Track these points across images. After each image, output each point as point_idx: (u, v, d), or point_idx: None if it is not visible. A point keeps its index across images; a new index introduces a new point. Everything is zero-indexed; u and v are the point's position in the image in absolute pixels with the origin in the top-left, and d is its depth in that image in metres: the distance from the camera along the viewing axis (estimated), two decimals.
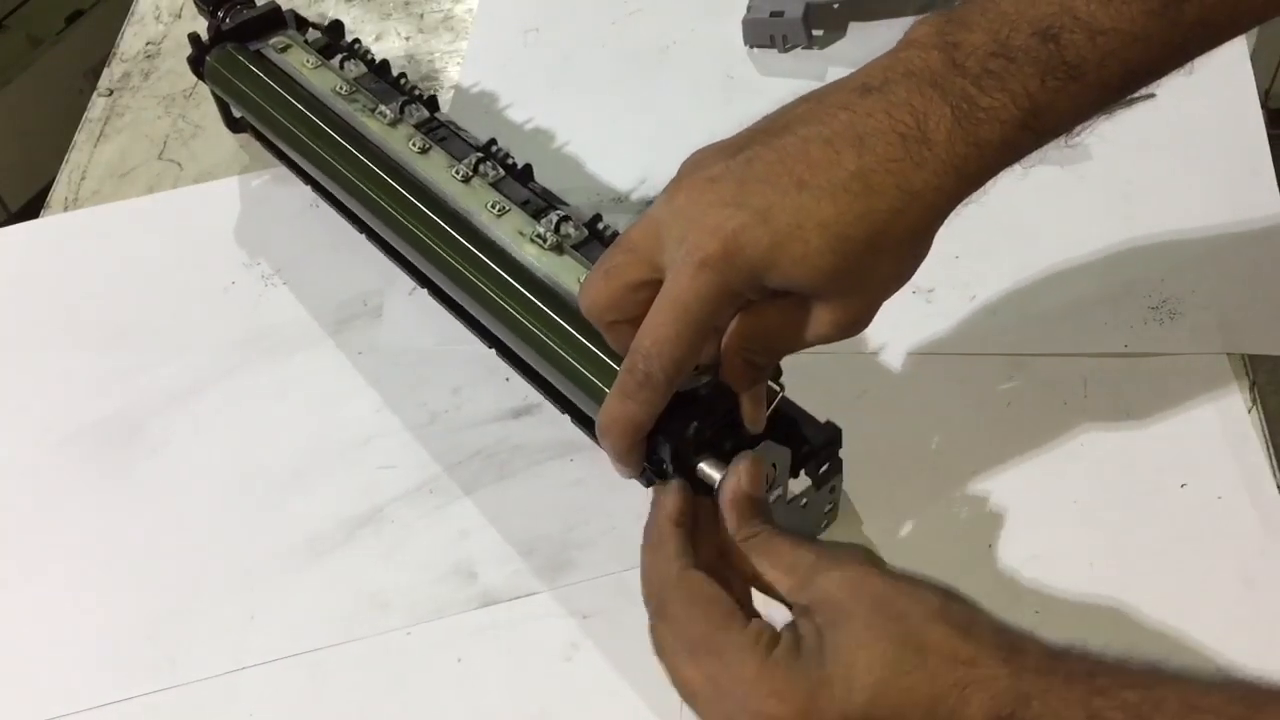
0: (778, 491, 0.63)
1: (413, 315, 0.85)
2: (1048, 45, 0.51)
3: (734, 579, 0.55)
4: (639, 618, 0.68)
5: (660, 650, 0.54)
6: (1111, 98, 0.53)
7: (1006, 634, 0.49)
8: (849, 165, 0.51)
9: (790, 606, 0.53)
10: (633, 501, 0.69)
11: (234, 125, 0.98)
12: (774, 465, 0.61)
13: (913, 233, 0.53)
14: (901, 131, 0.51)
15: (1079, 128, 0.54)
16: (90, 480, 0.81)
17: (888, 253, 0.53)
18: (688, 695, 0.53)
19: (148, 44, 1.13)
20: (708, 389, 0.60)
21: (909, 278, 0.55)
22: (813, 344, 0.57)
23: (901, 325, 0.78)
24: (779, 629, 0.51)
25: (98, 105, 1.08)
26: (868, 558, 0.53)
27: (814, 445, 0.64)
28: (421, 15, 1.09)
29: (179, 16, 1.14)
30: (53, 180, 1.02)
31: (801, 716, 0.49)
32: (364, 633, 0.71)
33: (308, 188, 0.91)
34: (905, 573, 0.52)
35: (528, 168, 0.79)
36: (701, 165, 0.56)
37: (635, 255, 0.55)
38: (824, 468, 0.65)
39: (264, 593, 0.74)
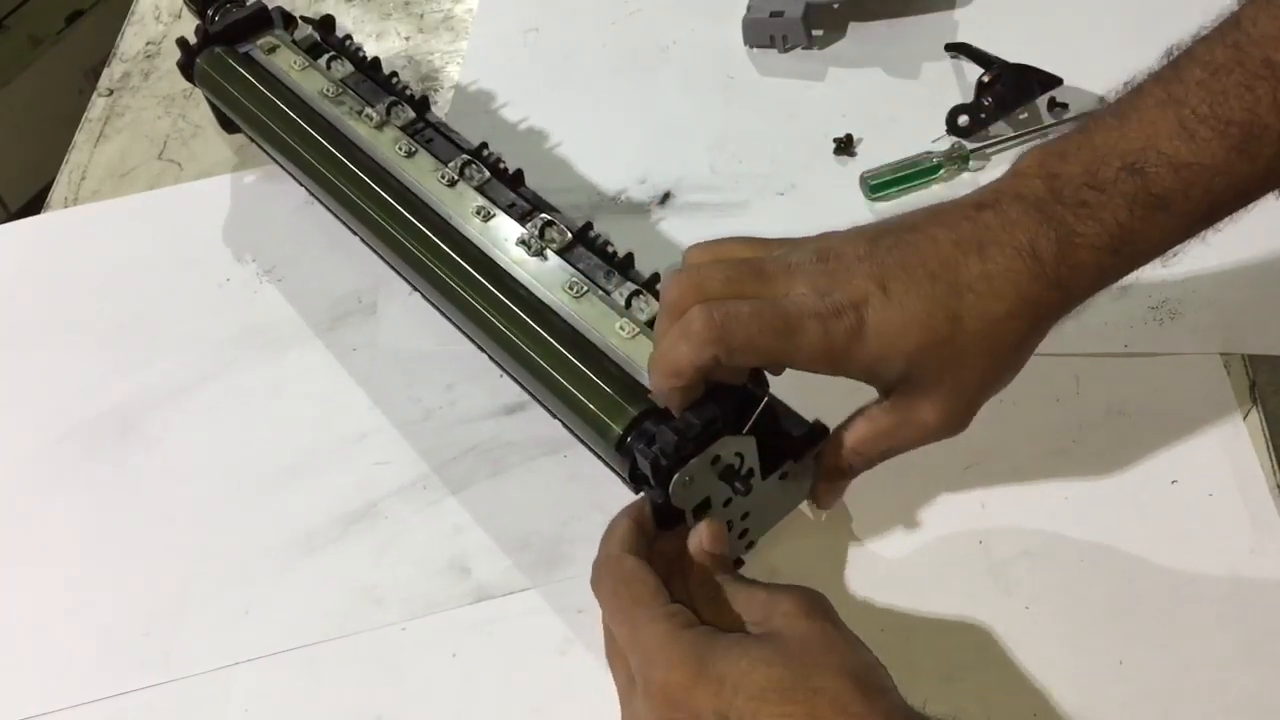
0: (751, 481, 0.63)
1: (409, 314, 0.85)
2: (1135, 178, 0.55)
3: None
4: None
5: (605, 622, 0.60)
6: (1200, 225, 0.57)
7: (908, 713, 0.52)
8: (974, 268, 0.56)
9: None
10: (626, 498, 0.69)
11: (228, 126, 0.98)
12: (740, 455, 0.62)
13: (1021, 338, 0.58)
14: (1017, 246, 0.56)
15: (1172, 251, 0.59)
16: (85, 476, 0.81)
17: (997, 354, 0.58)
18: (609, 656, 0.60)
19: (148, 44, 1.13)
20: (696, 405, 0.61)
21: (1005, 384, 0.61)
22: (914, 443, 0.62)
23: None
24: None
25: (98, 105, 1.08)
26: (819, 600, 0.57)
27: (802, 447, 0.65)
28: (421, 15, 1.09)
29: (179, 16, 1.15)
30: (53, 180, 1.03)
31: (681, 693, 0.53)
32: (358, 628, 0.71)
33: (301, 186, 0.91)
34: (840, 622, 0.56)
35: (519, 173, 0.79)
36: (846, 235, 0.60)
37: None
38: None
39: (259, 588, 0.74)
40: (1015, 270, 0.56)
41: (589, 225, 0.74)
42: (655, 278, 0.71)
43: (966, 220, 0.58)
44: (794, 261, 0.59)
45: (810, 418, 0.66)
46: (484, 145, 0.81)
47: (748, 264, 0.60)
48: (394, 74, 0.87)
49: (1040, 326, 0.58)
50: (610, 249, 0.73)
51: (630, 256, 0.72)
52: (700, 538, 0.61)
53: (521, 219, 0.75)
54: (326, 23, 0.92)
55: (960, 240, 0.57)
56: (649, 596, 0.57)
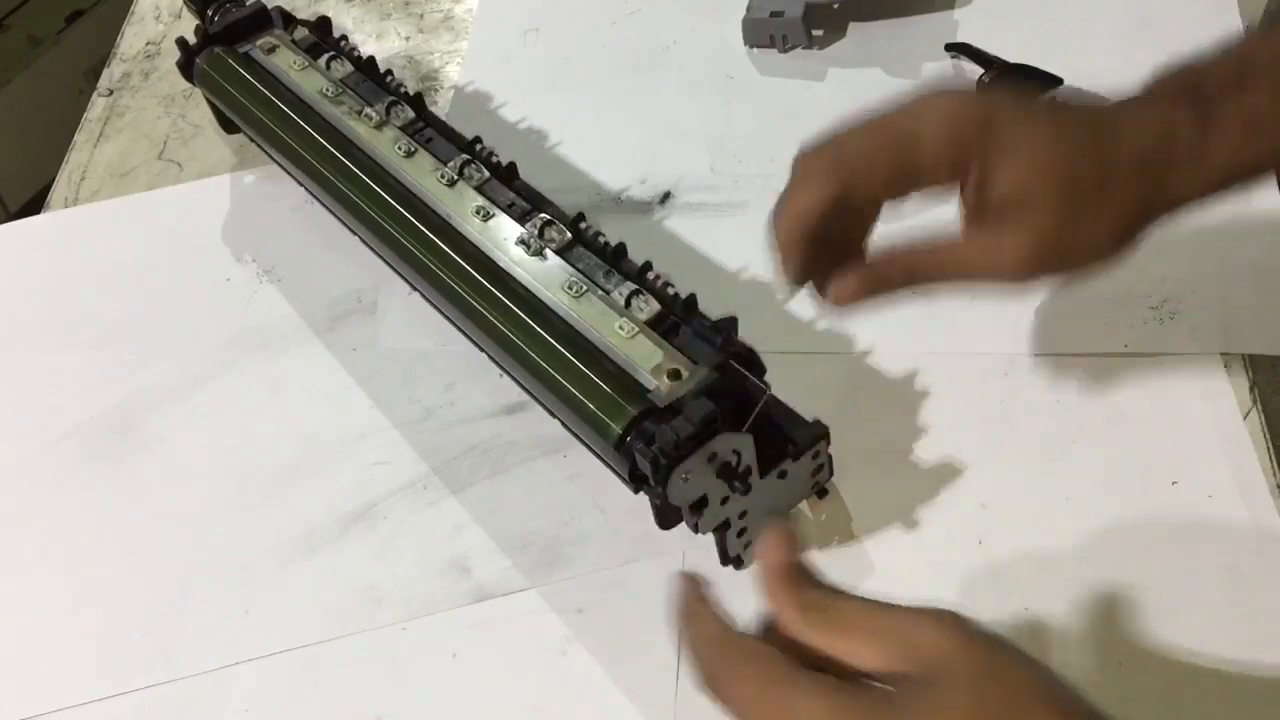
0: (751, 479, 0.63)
1: (409, 314, 0.85)
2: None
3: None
4: (632, 613, 0.68)
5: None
6: None
7: None
8: (1107, 128, 0.56)
9: (870, 678, 0.47)
10: (626, 497, 0.69)
11: (228, 126, 0.98)
12: (737, 453, 0.62)
13: (1132, 207, 0.57)
14: (1154, 128, 0.56)
15: None
16: (85, 476, 0.81)
17: (1105, 209, 0.56)
18: None
19: (148, 44, 1.13)
20: (695, 403, 0.62)
21: (1103, 260, 0.59)
22: (985, 272, 0.59)
23: (900, 325, 0.78)
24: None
25: (98, 105, 1.08)
26: (960, 619, 0.48)
27: (800, 446, 0.65)
28: (421, 15, 1.09)
29: (179, 16, 1.15)
30: (53, 180, 1.03)
31: None
32: (358, 628, 0.71)
33: (301, 186, 0.91)
34: (997, 636, 0.48)
35: (512, 166, 0.79)
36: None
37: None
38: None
39: (258, 588, 0.74)
40: (1143, 146, 0.56)
41: (580, 216, 0.74)
42: (648, 265, 0.71)
43: (1110, 102, 0.58)
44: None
45: (810, 418, 0.66)
46: (477, 139, 0.81)
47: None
48: (389, 72, 0.87)
49: (1154, 202, 0.57)
50: (602, 239, 0.73)
51: (622, 246, 0.73)
52: (773, 550, 0.49)
53: (521, 219, 0.75)
54: (322, 24, 0.92)
55: (1099, 111, 0.58)
56: (783, 672, 0.46)
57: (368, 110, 0.83)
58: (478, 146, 0.80)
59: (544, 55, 1.03)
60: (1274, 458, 0.69)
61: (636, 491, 0.66)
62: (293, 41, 0.91)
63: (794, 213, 0.58)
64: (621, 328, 0.68)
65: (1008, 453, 0.71)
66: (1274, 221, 0.80)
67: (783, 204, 0.59)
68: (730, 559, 0.68)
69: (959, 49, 0.93)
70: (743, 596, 0.67)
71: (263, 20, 0.93)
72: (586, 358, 0.67)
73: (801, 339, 0.79)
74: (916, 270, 0.59)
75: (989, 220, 0.57)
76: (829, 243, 0.59)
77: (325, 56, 0.89)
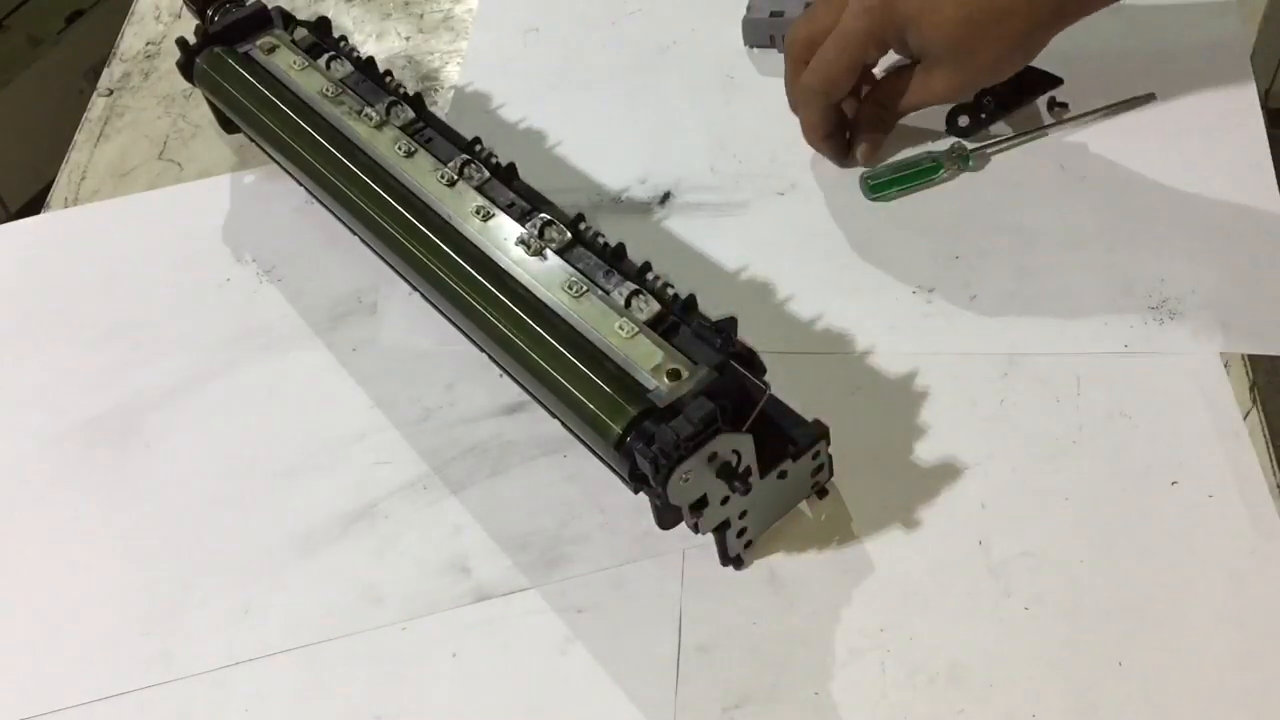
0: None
1: (409, 314, 0.85)
2: None
3: None
4: (632, 613, 0.68)
5: None
6: None
7: None
8: None
9: None
10: (626, 497, 0.69)
11: (228, 126, 0.98)
12: (737, 453, 0.62)
13: (1022, 32, 0.77)
14: None
15: None
16: (85, 476, 0.81)
17: (1001, 40, 0.77)
18: None
19: (148, 44, 1.13)
20: (695, 403, 0.62)
21: (1008, 72, 0.81)
22: (925, 102, 0.83)
23: (900, 325, 0.78)
24: None
25: (98, 105, 1.08)
26: None
27: (800, 446, 0.65)
28: (421, 15, 1.09)
29: (179, 16, 1.15)
30: (53, 180, 1.03)
31: None
32: (358, 627, 0.71)
33: (301, 186, 0.91)
34: None
35: (511, 166, 0.79)
36: None
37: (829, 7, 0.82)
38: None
39: (258, 588, 0.74)
40: None
41: (580, 216, 0.74)
42: (647, 266, 0.71)
43: None
44: None
45: (810, 418, 0.66)
46: (476, 140, 0.81)
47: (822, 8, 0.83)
48: (388, 72, 0.87)
49: (1041, 21, 0.76)
50: (601, 239, 0.73)
51: (622, 246, 0.73)
52: None
53: (521, 218, 0.75)
54: (322, 24, 0.92)
55: None
56: None
57: (368, 110, 0.83)
58: (478, 147, 0.80)
59: (544, 55, 1.03)
60: (1274, 458, 0.69)
61: (636, 491, 0.66)
62: (293, 41, 0.91)
63: (809, 129, 0.86)
64: (621, 328, 0.68)
65: (1008, 453, 0.71)
66: (1274, 221, 0.80)
67: (802, 124, 0.86)
68: (730, 559, 0.68)
69: None
70: (743, 596, 0.68)
71: (263, 20, 0.93)
72: (586, 358, 0.67)
73: (801, 339, 0.79)
74: (895, 107, 0.83)
75: (921, 62, 0.81)
76: (839, 123, 0.86)
77: (325, 56, 0.89)
